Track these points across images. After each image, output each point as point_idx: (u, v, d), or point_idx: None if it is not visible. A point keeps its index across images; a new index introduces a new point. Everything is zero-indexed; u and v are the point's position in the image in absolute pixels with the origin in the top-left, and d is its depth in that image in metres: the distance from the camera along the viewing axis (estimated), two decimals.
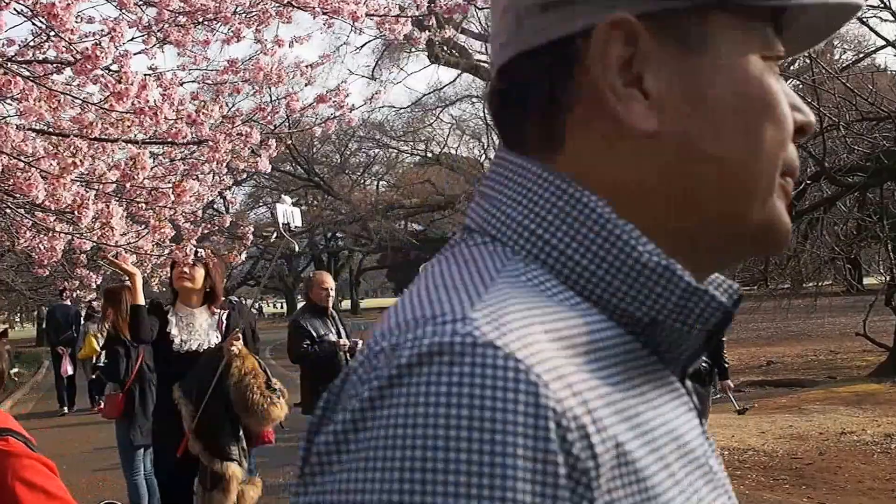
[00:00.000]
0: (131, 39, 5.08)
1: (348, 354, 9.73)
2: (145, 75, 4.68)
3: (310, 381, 10.13)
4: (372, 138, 49.17)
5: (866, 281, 27.94)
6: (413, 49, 42.87)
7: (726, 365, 9.02)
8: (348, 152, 52.50)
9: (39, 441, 10.51)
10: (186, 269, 6.57)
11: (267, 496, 9.38)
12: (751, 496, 9.17)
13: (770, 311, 17.07)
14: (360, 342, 9.82)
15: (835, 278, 18.53)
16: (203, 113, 4.88)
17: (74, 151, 4.55)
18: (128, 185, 4.92)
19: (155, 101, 4.54)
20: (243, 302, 9.09)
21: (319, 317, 9.70)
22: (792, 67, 17.37)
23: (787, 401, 15.35)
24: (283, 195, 8.37)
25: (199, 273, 6.71)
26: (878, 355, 18.38)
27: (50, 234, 5.33)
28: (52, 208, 4.81)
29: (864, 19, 15.01)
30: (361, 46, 45.51)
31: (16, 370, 29.00)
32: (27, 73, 4.59)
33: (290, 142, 7.80)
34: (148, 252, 5.90)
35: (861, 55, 28.62)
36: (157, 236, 5.73)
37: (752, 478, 10.25)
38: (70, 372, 20.21)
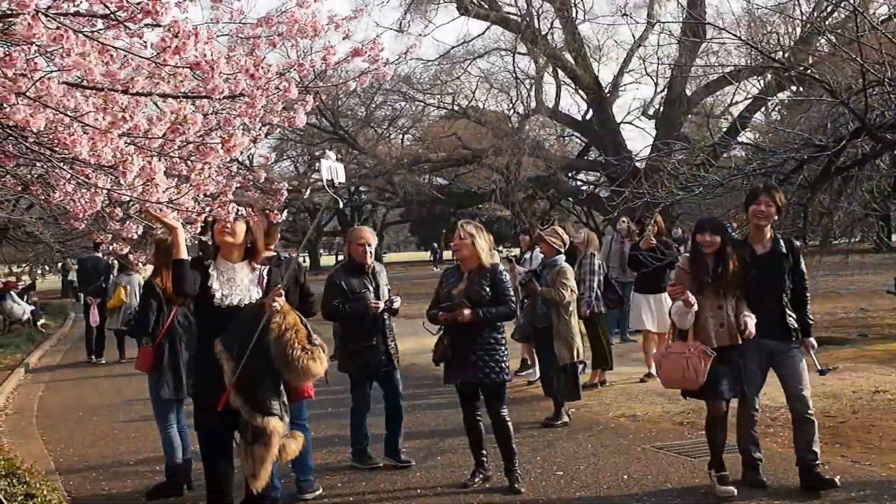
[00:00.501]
0: None
1: (385, 314, 9.67)
2: (195, 26, 4.61)
3: (340, 338, 10.14)
4: (398, 91, 48.87)
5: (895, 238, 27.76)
6: (441, 1, 42.61)
7: (810, 321, 8.69)
8: (374, 105, 52.34)
9: (71, 392, 10.70)
10: (228, 224, 6.55)
11: (315, 449, 9.43)
12: (784, 454, 9.15)
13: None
14: (397, 300, 9.73)
15: (864, 235, 18.38)
16: (261, 68, 4.83)
17: (124, 107, 4.50)
18: (177, 141, 4.85)
19: (211, 54, 4.49)
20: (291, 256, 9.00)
21: (356, 273, 9.69)
22: (828, 21, 17.18)
23: (822, 358, 15.19)
24: (327, 150, 8.17)
25: (241, 228, 6.70)
26: None
27: (92, 190, 5.29)
28: (94, 163, 4.76)
29: None
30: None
31: (42, 321, 29.19)
32: (79, 28, 4.53)
33: (324, 96, 7.83)
34: (189, 209, 5.85)
35: None
36: (200, 192, 5.68)
37: (784, 436, 10.21)
38: (98, 321, 20.74)
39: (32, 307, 29.20)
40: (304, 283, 9.02)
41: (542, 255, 12.96)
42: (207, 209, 6.06)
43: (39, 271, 35.68)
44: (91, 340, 21.57)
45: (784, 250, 8.42)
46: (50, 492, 6.15)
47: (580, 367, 12.27)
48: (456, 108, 47.16)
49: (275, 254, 8.53)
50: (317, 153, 51.93)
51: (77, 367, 20.52)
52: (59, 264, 35.57)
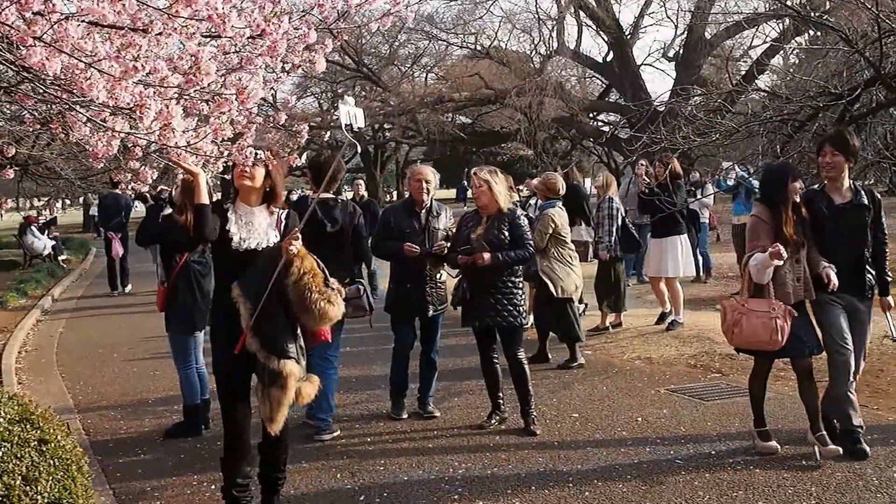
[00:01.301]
0: None
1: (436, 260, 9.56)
2: None
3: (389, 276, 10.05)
4: (421, 30, 48.71)
5: None
6: None
7: (888, 278, 8.31)
8: (397, 44, 52.14)
9: (91, 329, 10.80)
10: (247, 168, 6.57)
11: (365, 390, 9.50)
12: (795, 398, 9.15)
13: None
14: (443, 245, 9.48)
15: (878, 179, 18.32)
16: (272, 23, 4.85)
17: (137, 55, 4.53)
18: (192, 90, 4.89)
19: (222, 7, 4.51)
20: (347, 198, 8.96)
21: (410, 212, 9.64)
22: None
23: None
24: (346, 95, 8.14)
25: (260, 172, 6.71)
26: None
27: (109, 134, 5.33)
28: (111, 105, 4.80)
29: None
30: None
31: (63, 257, 29.37)
32: None
33: (345, 38, 7.81)
34: (208, 153, 5.88)
35: None
36: (218, 136, 5.71)
37: (795, 380, 10.27)
38: (121, 254, 21.65)
39: (53, 242, 29.40)
40: (358, 225, 9.14)
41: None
42: (226, 153, 6.09)
43: (59, 205, 35.87)
44: (114, 274, 22.17)
45: (865, 201, 8.04)
46: (64, 437, 6.20)
47: (579, 307, 12.40)
48: (479, 48, 47.00)
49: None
50: (339, 90, 51.85)
51: (98, 304, 20.67)
52: (81, 199, 35.76)
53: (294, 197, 11.69)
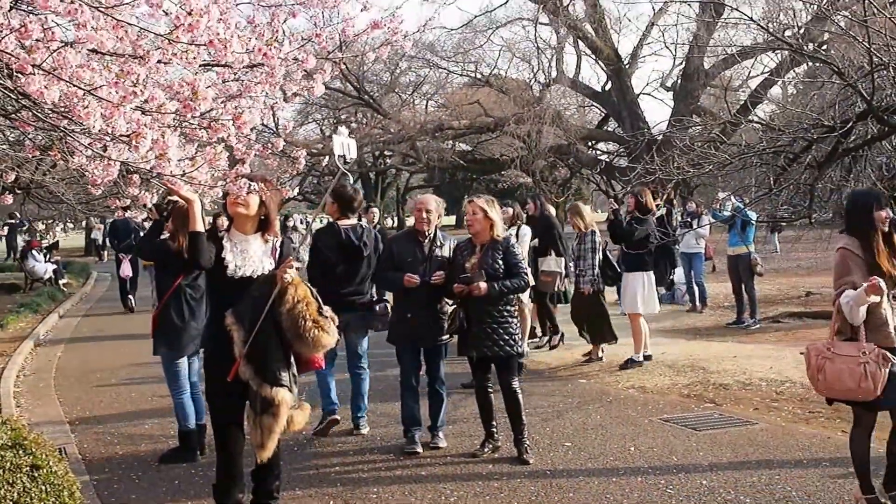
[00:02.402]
0: None
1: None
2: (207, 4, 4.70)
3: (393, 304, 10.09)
4: (422, 58, 48.91)
5: None
6: None
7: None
8: (398, 71, 52.33)
9: (90, 353, 10.81)
10: (241, 196, 6.62)
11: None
12: (787, 428, 9.23)
13: (811, 241, 17.01)
14: (440, 275, 9.40)
15: None
16: (273, 47, 4.91)
17: (136, 81, 4.59)
18: (188, 116, 4.95)
19: (224, 32, 4.58)
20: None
21: (412, 241, 9.68)
22: (840, 1, 17.12)
23: (824, 333, 15.05)
24: (340, 126, 8.29)
25: (254, 200, 6.76)
26: None
27: (105, 162, 5.39)
28: (109, 132, 4.85)
29: None
30: None
31: (64, 281, 29.41)
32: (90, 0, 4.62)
33: (343, 65, 7.93)
34: (202, 183, 5.93)
35: None
36: (213, 167, 5.77)
37: (788, 410, 10.39)
38: (129, 273, 23.11)
39: (54, 266, 29.48)
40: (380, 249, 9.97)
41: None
42: (220, 183, 6.14)
43: (60, 227, 36.06)
44: (125, 291, 23.72)
45: None
46: (56, 463, 6.23)
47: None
48: (478, 76, 47.24)
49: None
50: (342, 117, 52.10)
51: (98, 327, 20.75)
52: (83, 223, 35.90)
53: (292, 223, 11.84)
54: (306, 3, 5.94)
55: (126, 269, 23.00)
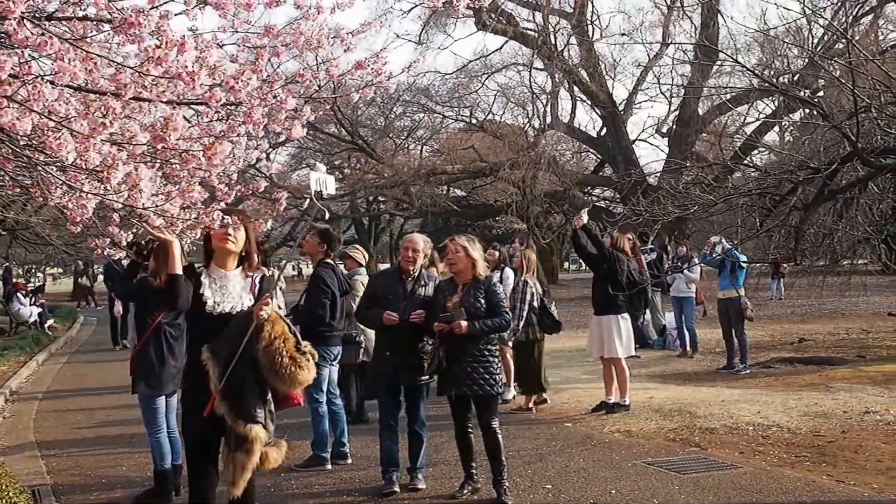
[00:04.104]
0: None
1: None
2: (183, 36, 4.70)
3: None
4: (417, 103, 49.20)
5: None
6: (460, 16, 42.84)
7: None
8: (393, 116, 52.53)
9: (71, 395, 10.73)
10: (231, 231, 6.57)
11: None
12: (772, 472, 9.16)
13: (805, 288, 17.06)
14: (420, 314, 9.34)
15: (870, 257, 18.47)
16: (241, 80, 4.90)
17: (105, 112, 4.57)
18: (159, 146, 4.93)
19: (192, 65, 4.57)
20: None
21: (396, 279, 9.64)
22: (833, 49, 17.27)
23: (814, 378, 15.43)
24: (317, 163, 8.24)
25: (241, 236, 6.72)
26: None
27: (78, 194, 5.37)
28: (83, 167, 4.84)
29: None
30: (408, 11, 45.48)
31: (50, 324, 29.39)
32: (61, 33, 4.62)
33: (328, 106, 7.94)
34: (175, 216, 5.91)
35: None
36: (186, 200, 5.74)
37: (774, 454, 10.33)
38: (121, 312, 22.42)
39: (40, 309, 29.43)
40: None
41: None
42: (193, 217, 6.11)
43: (46, 270, 36.18)
44: (115, 330, 24.58)
45: None
46: (17, 494, 6.17)
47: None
48: (473, 121, 47.50)
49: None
50: (336, 162, 52.19)
51: (79, 371, 20.78)
52: (72, 267, 36.06)
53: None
54: (290, 44, 5.95)
55: (118, 307, 22.83)
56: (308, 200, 7.22)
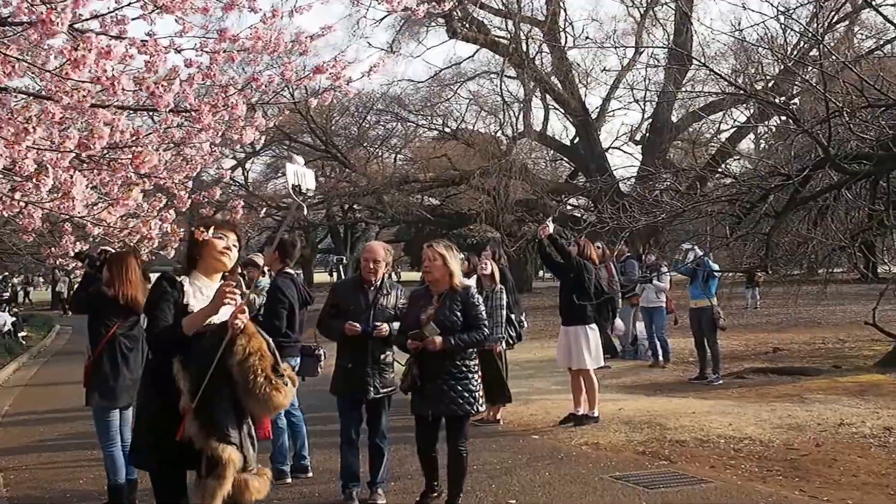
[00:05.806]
0: (128, 4, 4.93)
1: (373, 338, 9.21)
2: (112, 38, 4.50)
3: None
4: (390, 111, 49.33)
5: (882, 269, 27.60)
6: (432, 24, 42.91)
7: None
8: (366, 125, 52.59)
9: (38, 406, 10.51)
10: (231, 247, 6.24)
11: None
12: (742, 487, 9.00)
13: (781, 297, 16.92)
14: (384, 326, 9.11)
15: (847, 266, 18.38)
16: (162, 86, 4.67)
17: (29, 118, 4.36)
18: (83, 154, 4.71)
19: (112, 70, 4.34)
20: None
21: (357, 289, 9.34)
22: (811, 53, 17.22)
23: (788, 389, 15.21)
24: (294, 155, 7.69)
25: (236, 252, 6.39)
26: (886, 345, 18.22)
27: (9, 203, 5.16)
28: (18, 174, 4.67)
29: (880, 7, 14.74)
30: (381, 20, 45.42)
31: (24, 333, 29.27)
32: None
33: (287, 112, 7.70)
34: (112, 224, 5.69)
35: (882, 42, 28.41)
36: (122, 209, 5.52)
37: (745, 468, 10.13)
38: None
39: (13, 318, 29.24)
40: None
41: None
42: (131, 224, 5.89)
43: (17, 281, 36.07)
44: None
45: None
46: None
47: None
48: (446, 129, 47.57)
49: None
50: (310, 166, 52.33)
51: (51, 380, 20.60)
52: (50, 277, 36.13)
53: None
54: (249, 49, 5.78)
55: None
56: (295, 206, 6.80)
